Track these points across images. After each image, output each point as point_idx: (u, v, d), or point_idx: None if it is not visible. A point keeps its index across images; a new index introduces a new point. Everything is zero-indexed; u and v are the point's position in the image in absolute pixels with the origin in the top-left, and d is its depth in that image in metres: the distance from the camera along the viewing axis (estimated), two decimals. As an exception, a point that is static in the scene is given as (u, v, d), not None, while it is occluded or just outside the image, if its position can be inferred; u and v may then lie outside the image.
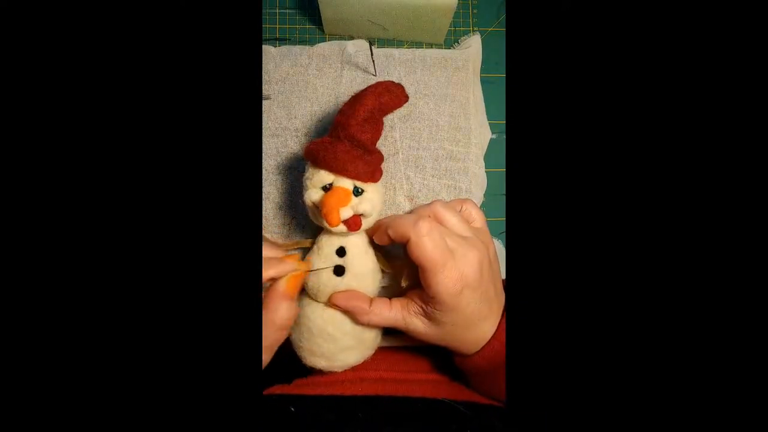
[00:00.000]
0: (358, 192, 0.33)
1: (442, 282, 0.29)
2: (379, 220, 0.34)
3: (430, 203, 0.33)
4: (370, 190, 0.33)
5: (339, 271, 0.34)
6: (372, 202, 0.33)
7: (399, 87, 0.35)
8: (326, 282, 0.33)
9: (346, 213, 0.32)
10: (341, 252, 0.34)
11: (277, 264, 0.31)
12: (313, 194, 0.33)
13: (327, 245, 0.34)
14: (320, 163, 0.33)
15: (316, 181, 0.33)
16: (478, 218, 0.35)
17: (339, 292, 0.33)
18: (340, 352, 0.33)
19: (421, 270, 0.30)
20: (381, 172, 0.34)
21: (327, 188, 0.33)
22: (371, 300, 0.33)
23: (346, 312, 0.33)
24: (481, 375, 0.34)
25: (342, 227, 0.33)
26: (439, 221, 0.32)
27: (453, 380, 0.37)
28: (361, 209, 0.32)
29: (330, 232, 0.34)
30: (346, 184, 0.32)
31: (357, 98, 0.33)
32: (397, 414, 0.30)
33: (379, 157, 0.35)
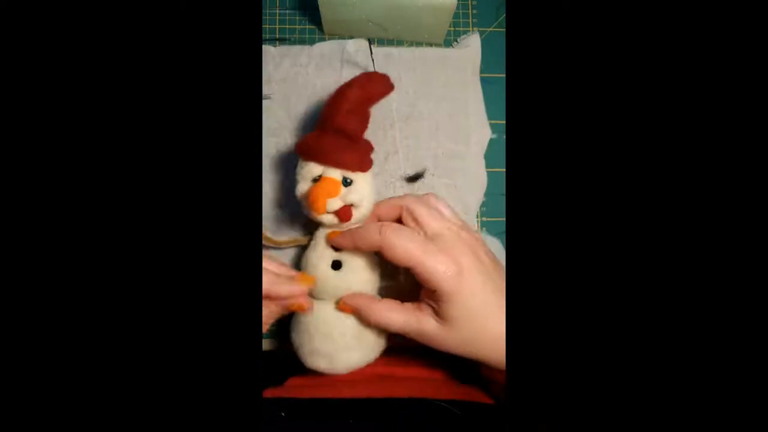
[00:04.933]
0: (347, 182, 0.33)
1: (433, 268, 0.28)
2: (346, 232, 0.33)
3: (402, 197, 0.33)
4: (360, 179, 0.33)
5: (336, 264, 0.34)
6: (361, 192, 0.33)
7: (384, 76, 0.35)
8: (321, 275, 0.33)
9: (335, 204, 0.32)
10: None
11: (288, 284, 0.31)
12: (303, 187, 0.33)
13: (323, 239, 0.35)
14: (308, 156, 0.33)
15: (306, 174, 0.33)
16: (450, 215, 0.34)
17: (347, 295, 0.33)
18: (341, 351, 0.33)
19: (411, 270, 0.29)
20: (370, 162, 0.34)
21: (317, 180, 0.33)
22: (381, 300, 0.33)
23: (356, 312, 0.32)
24: None
25: (332, 218, 0.33)
26: (413, 216, 0.31)
27: (450, 378, 0.37)
28: (350, 199, 0.32)
29: (326, 226, 0.34)
30: (335, 174, 0.32)
31: (341, 90, 0.33)
32: (389, 416, 0.30)
33: (367, 147, 0.34)
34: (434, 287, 0.29)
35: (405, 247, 0.29)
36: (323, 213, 0.32)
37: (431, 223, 0.31)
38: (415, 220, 0.31)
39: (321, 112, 0.34)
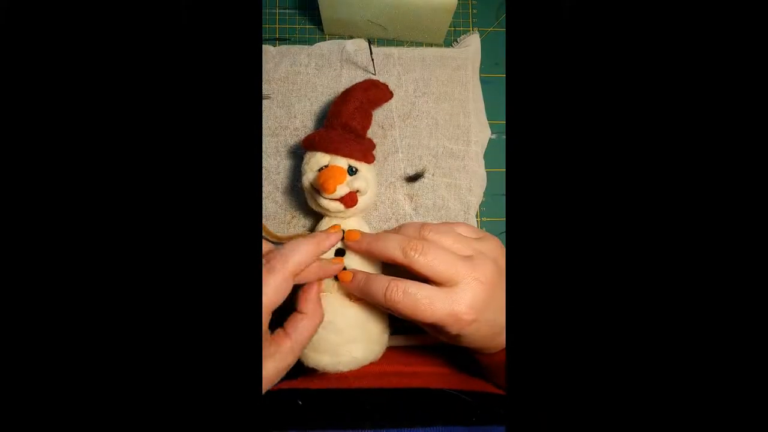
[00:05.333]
0: (352, 171, 0.35)
1: (448, 323, 0.29)
2: (358, 277, 0.32)
3: (404, 246, 0.30)
4: (364, 169, 0.35)
5: (339, 252, 0.35)
6: (366, 179, 0.35)
7: (384, 84, 0.38)
8: None
9: (341, 190, 0.33)
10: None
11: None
12: (310, 177, 0.35)
13: (326, 228, 0.35)
14: (316, 146, 0.35)
15: (313, 164, 0.35)
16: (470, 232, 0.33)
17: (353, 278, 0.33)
18: (344, 344, 0.32)
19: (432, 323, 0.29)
20: (373, 157, 0.37)
21: (322, 170, 0.34)
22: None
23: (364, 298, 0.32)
24: (502, 370, 0.33)
25: (338, 205, 0.34)
26: (423, 273, 0.30)
27: (456, 371, 0.37)
28: (356, 185, 0.34)
29: (329, 216, 0.36)
30: (341, 163, 0.34)
31: (347, 92, 0.37)
32: (403, 405, 0.30)
33: (371, 144, 0.37)
34: (450, 334, 0.30)
35: (414, 312, 0.29)
36: (334, 192, 0.33)
37: (443, 271, 0.29)
38: (425, 276, 0.30)
39: (328, 112, 0.37)
